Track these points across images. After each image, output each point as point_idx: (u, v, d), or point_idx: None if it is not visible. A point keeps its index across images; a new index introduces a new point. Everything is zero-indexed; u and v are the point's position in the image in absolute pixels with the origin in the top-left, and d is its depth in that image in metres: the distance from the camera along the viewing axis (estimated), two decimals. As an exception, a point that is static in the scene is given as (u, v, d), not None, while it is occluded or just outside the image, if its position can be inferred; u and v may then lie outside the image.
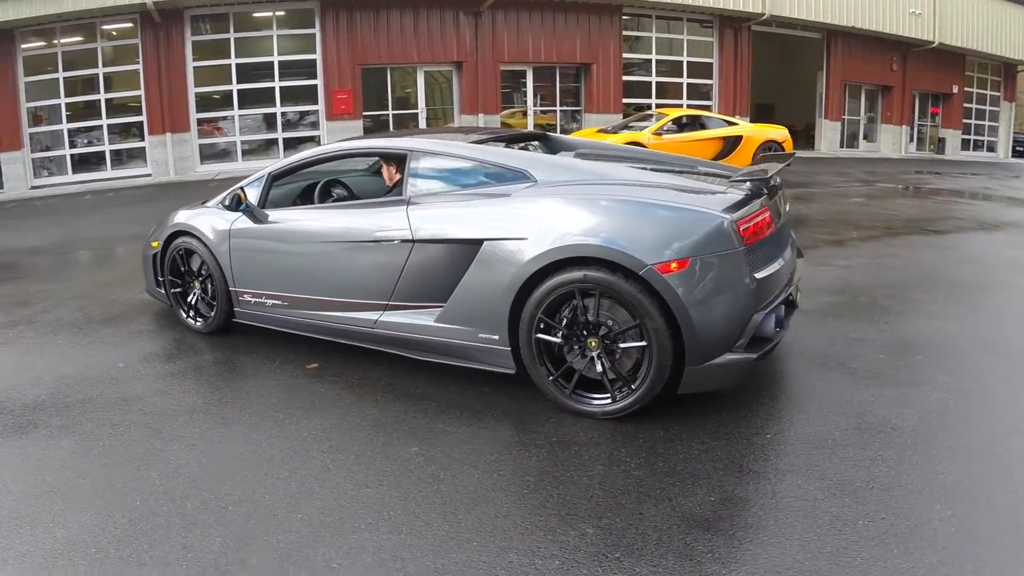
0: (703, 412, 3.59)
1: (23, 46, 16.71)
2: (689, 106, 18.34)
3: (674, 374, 3.41)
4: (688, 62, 20.89)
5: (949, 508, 2.68)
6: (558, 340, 3.62)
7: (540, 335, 3.64)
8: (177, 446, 3.48)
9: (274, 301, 4.76)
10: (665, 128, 13.19)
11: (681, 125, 13.58)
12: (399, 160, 4.46)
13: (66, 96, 17.26)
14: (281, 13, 18.28)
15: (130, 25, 17.21)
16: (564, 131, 19.18)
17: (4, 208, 14.84)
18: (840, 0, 21.16)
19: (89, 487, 3.12)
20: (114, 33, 17.47)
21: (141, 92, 17.50)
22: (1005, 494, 2.79)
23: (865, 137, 24.56)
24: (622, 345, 3.51)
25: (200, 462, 3.31)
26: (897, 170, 17.53)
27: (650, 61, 20.73)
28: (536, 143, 5.25)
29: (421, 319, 4.02)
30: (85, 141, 17.90)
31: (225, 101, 18.48)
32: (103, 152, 17.86)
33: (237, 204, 4.89)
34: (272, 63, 18.41)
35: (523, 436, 3.46)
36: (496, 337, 3.77)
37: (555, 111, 20.59)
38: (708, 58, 21.20)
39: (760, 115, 21.71)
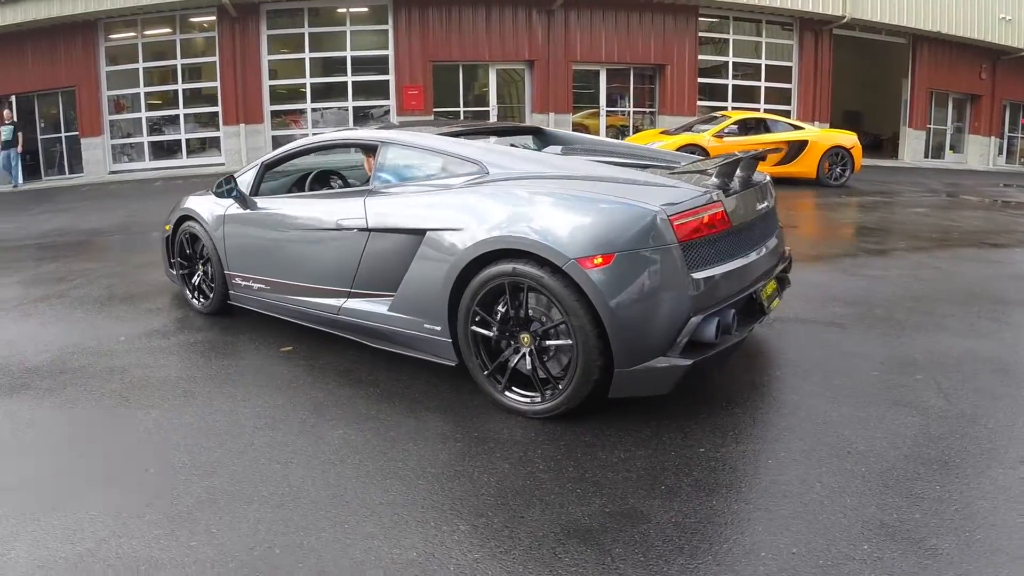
0: (643, 419, 3.43)
1: (106, 37, 17.61)
2: (767, 111, 17.87)
3: (607, 376, 3.28)
4: (767, 65, 20.34)
5: (878, 550, 2.39)
6: (493, 334, 3.58)
7: (475, 327, 3.61)
8: (136, 413, 3.73)
9: (259, 285, 4.95)
10: (726, 131, 12.91)
11: (747, 128, 13.25)
12: (373, 151, 4.52)
13: (146, 86, 18.10)
14: (355, 9, 18.70)
15: (208, 18, 17.92)
16: (636, 130, 19.01)
17: (79, 191, 15.67)
18: (926, 4, 20.06)
19: (42, 441, 3.48)
20: (193, 26, 18.22)
21: (217, 84, 18.20)
22: (952, 543, 2.42)
23: (951, 148, 23.33)
24: (549, 342, 3.42)
25: (147, 428, 3.55)
26: (980, 182, 16.52)
27: (727, 64, 20.32)
28: (529, 138, 5.29)
29: (377, 307, 4.07)
30: (163, 129, 18.74)
31: (299, 94, 19.03)
32: (179, 141, 18.66)
33: (229, 191, 5.08)
34: (345, 58, 18.86)
35: (447, 428, 3.44)
36: (438, 328, 3.76)
37: (628, 112, 20.42)
38: (788, 62, 20.56)
39: (847, 123, 20.98)
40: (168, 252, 5.99)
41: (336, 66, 19.04)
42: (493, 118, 19.58)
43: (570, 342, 3.31)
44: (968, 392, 3.66)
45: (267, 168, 5.13)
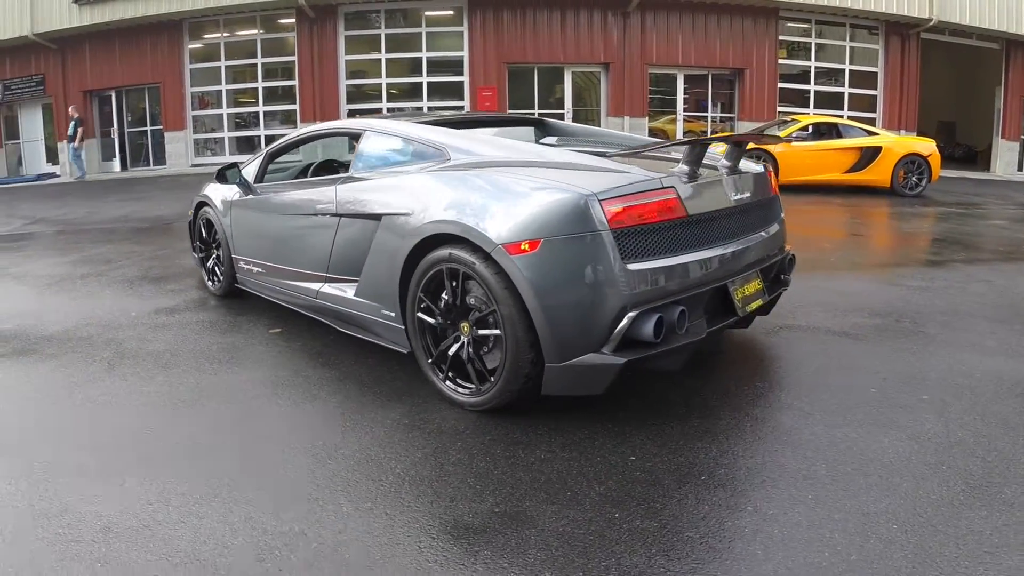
0: (586, 419, 3.23)
1: (190, 36, 18.27)
2: (851, 118, 17.14)
3: (540, 371, 3.09)
4: (851, 70, 19.52)
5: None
6: (435, 321, 3.48)
7: (420, 314, 3.53)
8: (114, 380, 3.95)
9: (257, 269, 5.10)
10: (794, 135, 12.42)
11: (819, 133, 12.71)
12: (358, 139, 4.50)
13: (227, 83, 18.68)
14: (431, 12, 18.87)
15: (287, 20, 18.38)
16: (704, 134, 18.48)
17: (157, 182, 16.30)
18: (1019, 7, 18.68)
19: (28, 396, 3.80)
20: (273, 26, 18.71)
21: (296, 83, 18.64)
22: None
23: (1049, 161, 21.84)
24: (480, 332, 3.28)
25: (115, 393, 3.75)
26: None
27: (809, 69, 19.60)
28: (530, 128, 5.24)
29: (346, 292, 4.07)
30: (245, 125, 19.31)
31: (375, 95, 19.32)
32: (259, 136, 19.18)
33: (231, 177, 5.25)
34: (421, 59, 19.05)
35: (382, 413, 3.39)
36: (392, 314, 3.71)
37: (706, 117, 19.96)
38: (873, 67, 19.69)
39: (941, 133, 20.00)
40: (191, 236, 6.28)
41: (412, 67, 19.24)
42: (568, 119, 19.43)
43: (498, 332, 3.15)
44: (975, 418, 3.20)
45: (271, 157, 5.29)
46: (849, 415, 3.23)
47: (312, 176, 5.46)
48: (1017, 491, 2.56)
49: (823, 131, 12.76)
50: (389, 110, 19.23)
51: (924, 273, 6.34)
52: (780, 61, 18.99)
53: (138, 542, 2.34)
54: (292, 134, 5.14)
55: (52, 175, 18.99)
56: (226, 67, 18.63)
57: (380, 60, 19.04)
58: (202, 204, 5.88)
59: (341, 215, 4.05)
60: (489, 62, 18.70)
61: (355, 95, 19.22)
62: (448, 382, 3.45)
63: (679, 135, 19.32)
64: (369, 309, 3.87)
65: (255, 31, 18.62)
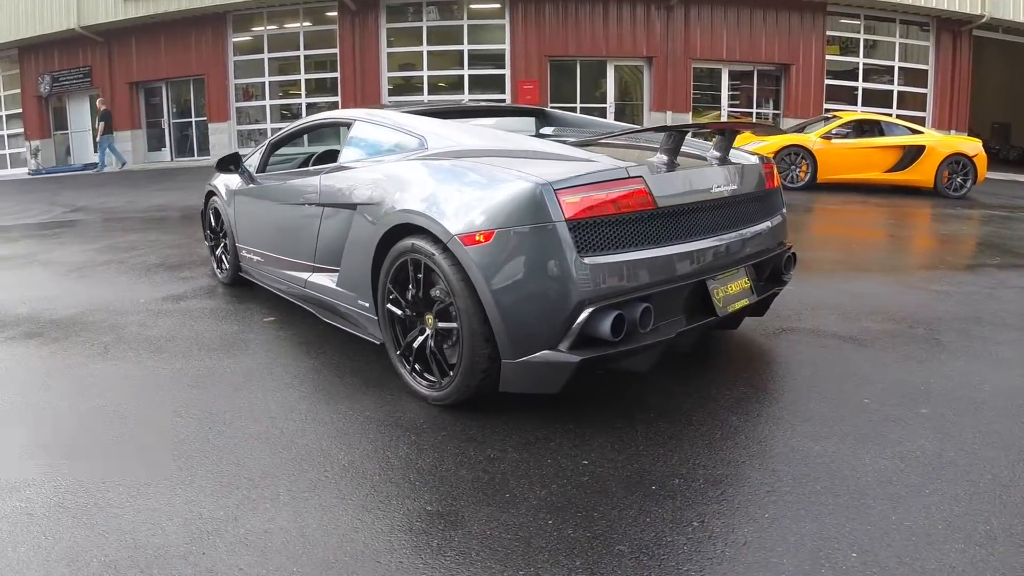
0: (549, 419, 3.11)
1: (233, 28, 18.45)
2: (899, 116, 16.61)
3: (498, 367, 2.98)
4: (900, 67, 18.86)
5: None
6: (402, 313, 3.40)
7: (389, 305, 3.45)
8: (105, 363, 4.04)
9: (257, 258, 5.11)
10: (834, 132, 12.00)
11: (861, 131, 12.27)
12: (349, 129, 4.46)
13: (270, 75, 18.84)
14: (474, 5, 18.77)
15: (330, 12, 18.45)
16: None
17: (198, 172, 16.48)
18: None
19: (18, 377, 3.90)
20: (316, 19, 18.79)
21: (338, 75, 18.72)
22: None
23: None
24: (442, 325, 3.19)
25: (103, 376, 3.84)
26: None
27: (857, 65, 19.01)
28: (530, 119, 5.15)
29: (330, 282, 4.01)
30: (287, 116, 19.44)
31: (416, 87, 19.31)
32: (301, 129, 19.27)
33: (233, 167, 5.33)
34: (462, 52, 18.97)
35: (346, 405, 3.35)
36: (367, 304, 3.64)
37: (751, 113, 19.53)
38: (923, 64, 19.00)
39: (995, 135, 19.30)
40: (202, 225, 6.34)
41: (453, 60, 19.18)
42: (610, 115, 19.17)
43: (454, 325, 3.05)
44: (974, 437, 2.93)
45: (273, 147, 5.28)
46: (833, 427, 3.00)
47: (313, 166, 5.40)
48: (1004, 523, 2.31)
49: (865, 128, 12.33)
50: (429, 103, 19.13)
51: (952, 277, 6.04)
52: (828, 57, 18.46)
53: (84, 519, 2.39)
54: (292, 124, 5.12)
55: (95, 165, 19.34)
56: (269, 59, 18.78)
57: (421, 53, 19.01)
58: (211, 193, 5.91)
59: (324, 205, 4.02)
60: (530, 55, 18.54)
61: (396, 88, 19.24)
62: (414, 375, 3.37)
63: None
64: (348, 299, 3.82)
65: (298, 24, 18.74)
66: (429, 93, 19.21)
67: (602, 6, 18.11)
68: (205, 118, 18.95)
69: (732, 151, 3.78)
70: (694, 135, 4.19)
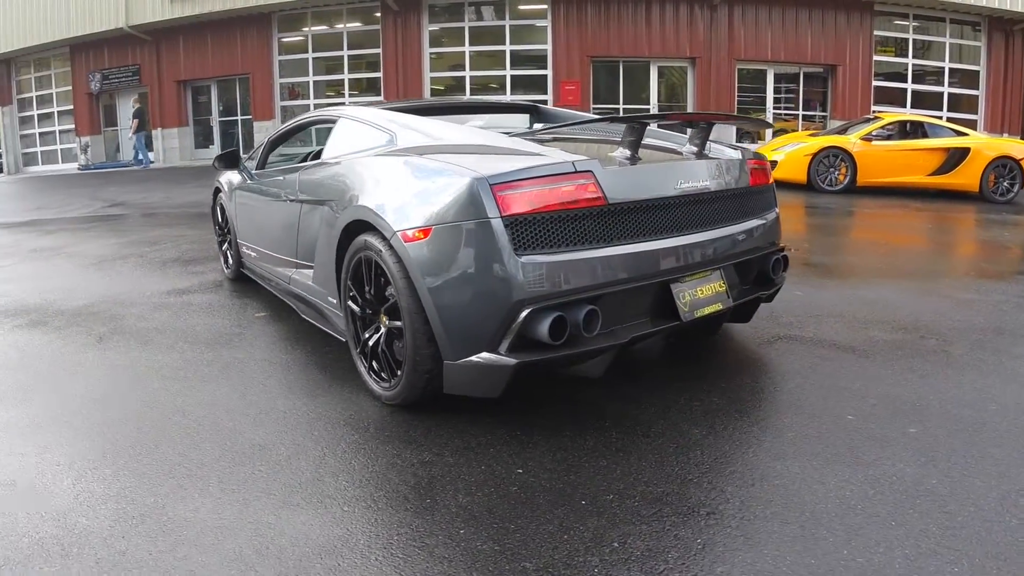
0: (495, 425, 2.96)
1: (279, 28, 18.60)
2: (949, 119, 15.94)
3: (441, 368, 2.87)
4: (950, 68, 18.09)
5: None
6: (360, 310, 3.30)
7: (350, 302, 3.35)
8: (96, 353, 4.15)
9: (253, 254, 5.12)
10: (875, 134, 11.51)
11: (904, 132, 11.77)
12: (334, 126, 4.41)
13: (314, 75, 18.94)
14: (515, 7, 18.59)
15: (373, 13, 18.46)
16: (783, 132, 17.56)
17: (240, 170, 16.66)
18: None
19: (13, 359, 4.10)
20: (359, 19, 18.82)
21: (380, 75, 18.72)
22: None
23: None
24: (390, 323, 3.08)
25: (88, 365, 3.94)
26: None
27: (906, 66, 18.29)
28: (524, 116, 5.05)
29: (308, 279, 3.99)
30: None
31: (458, 87, 19.23)
32: (344, 128, 19.35)
33: (231, 165, 5.43)
34: (504, 52, 18.81)
35: (302, 403, 3.30)
36: (335, 301, 3.57)
37: (797, 115, 18.98)
38: (974, 65, 18.19)
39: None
40: (213, 221, 6.39)
41: (495, 60, 19.04)
42: (654, 117, 18.82)
43: (399, 324, 2.94)
44: (967, 461, 2.62)
45: (272, 144, 5.27)
46: (803, 445, 2.73)
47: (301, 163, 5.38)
48: (977, 566, 2.02)
49: (908, 130, 11.82)
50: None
51: (979, 285, 5.66)
52: (876, 58, 17.82)
53: (28, 499, 2.48)
54: (289, 123, 5.11)
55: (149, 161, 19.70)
56: (313, 59, 18.87)
57: (464, 53, 18.89)
58: (218, 190, 5.95)
59: (302, 201, 3.98)
60: (572, 56, 18.29)
61: (438, 88, 19.17)
62: (371, 373, 3.28)
63: (768, 135, 18.44)
64: (321, 296, 3.78)
65: (342, 24, 18.80)
66: (471, 93, 19.09)
67: (644, 6, 17.77)
68: (251, 116, 19.12)
69: (715, 145, 3.56)
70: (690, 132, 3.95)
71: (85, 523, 2.30)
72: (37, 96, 22.08)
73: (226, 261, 5.95)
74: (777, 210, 3.74)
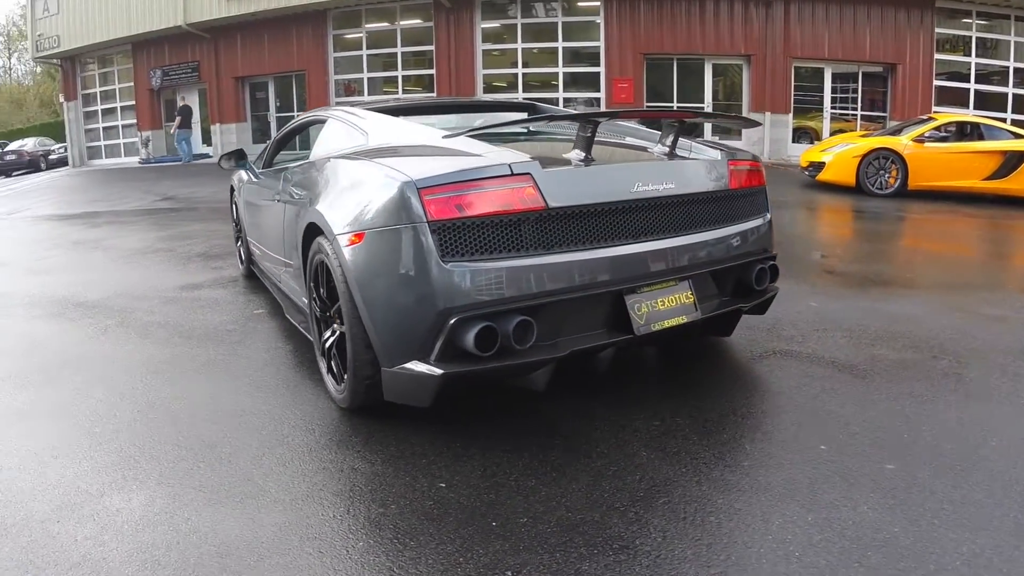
0: (438, 435, 2.85)
1: (334, 25, 18.70)
2: (1013, 122, 15.10)
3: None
4: (1015, 68, 17.08)
5: None
6: (320, 312, 3.28)
7: (313, 303, 3.32)
8: (97, 344, 4.32)
9: (257, 251, 5.15)
10: (927, 135, 10.91)
11: (961, 134, 11.13)
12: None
13: (368, 71, 18.99)
14: (568, 3, 18.33)
15: (426, 11, 18.40)
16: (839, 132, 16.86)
17: (292, 165, 16.82)
18: None
19: (22, 346, 4.32)
20: (412, 16, 18.79)
21: (433, 71, 18.67)
22: None
23: None
24: (337, 326, 3.05)
25: (91, 354, 4.12)
26: None
27: (969, 65, 17.36)
28: (523, 114, 4.88)
29: (291, 279, 4.01)
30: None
31: (510, 84, 19.07)
32: (396, 123, 19.37)
33: (237, 163, 5.52)
34: (556, 49, 18.58)
35: (261, 401, 3.32)
36: (306, 301, 3.54)
37: (855, 115, 18.26)
38: (1041, 65, 17.12)
39: None
40: (232, 218, 6.47)
41: (548, 57, 18.81)
42: (708, 116, 18.39)
43: (343, 328, 2.90)
44: (944, 506, 2.31)
45: (278, 144, 5.29)
46: (761, 477, 2.48)
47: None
48: None
49: (964, 132, 11.19)
50: (525, 100, 18.86)
51: (1017, 301, 5.24)
52: (937, 57, 16.99)
53: None
54: (291, 123, 5.11)
55: (206, 156, 20.02)
56: (367, 56, 18.92)
57: (516, 50, 18.72)
58: (233, 188, 6.01)
59: (285, 202, 3.95)
60: (625, 53, 17.93)
61: (491, 85, 19.03)
62: (329, 375, 3.23)
63: (825, 135, 17.80)
64: (297, 295, 3.83)
65: (395, 21, 18.80)
66: (524, 91, 18.91)
67: (699, 2, 17.30)
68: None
69: (697, 145, 3.32)
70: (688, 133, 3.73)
71: (32, 507, 2.41)
72: (101, 92, 22.67)
73: (240, 258, 6.00)
74: (768, 215, 3.48)
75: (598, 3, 17.92)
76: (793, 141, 17.96)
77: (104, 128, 22.71)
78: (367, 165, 2.89)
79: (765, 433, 2.86)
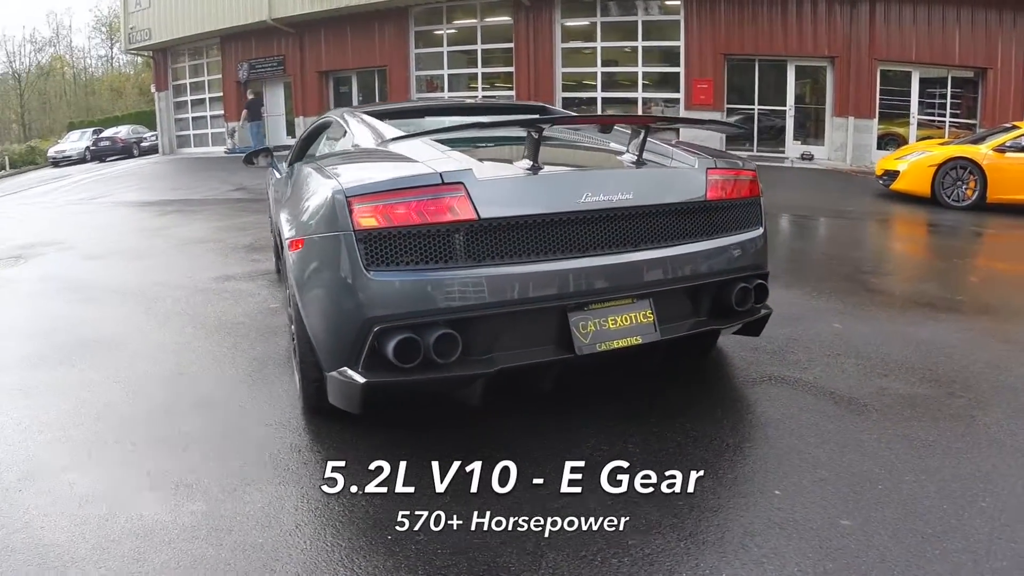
0: (377, 447, 2.76)
1: (415, 22, 18.77)
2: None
3: None
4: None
5: None
6: (292, 311, 3.27)
7: (291, 308, 3.25)
8: (115, 326, 4.55)
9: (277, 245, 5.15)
10: (1009, 144, 10.05)
11: (1054, 144, 10.21)
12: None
13: (448, 68, 19.00)
14: (649, 1, 17.86)
15: (506, 8, 18.25)
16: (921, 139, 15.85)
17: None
18: None
19: (44, 328, 4.53)
20: (492, 13, 18.67)
21: (512, 69, 18.52)
22: None
23: None
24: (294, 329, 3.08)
25: (105, 339, 4.30)
26: None
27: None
28: (534, 116, 4.59)
29: None
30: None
31: (589, 84, 18.76)
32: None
33: (255, 161, 5.51)
34: (636, 48, 18.14)
35: (235, 398, 3.38)
36: None
37: (944, 122, 17.18)
38: None
39: None
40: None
41: (627, 57, 18.40)
42: (790, 119, 17.69)
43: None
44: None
45: (303, 142, 5.22)
46: (690, 521, 2.22)
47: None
48: None
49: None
50: (603, 100, 18.57)
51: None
52: (1033, 60, 15.78)
53: None
54: (313, 122, 5.10)
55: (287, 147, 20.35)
56: (448, 53, 18.91)
57: (595, 48, 18.38)
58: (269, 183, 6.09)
59: (283, 201, 4.00)
60: (705, 53, 17.34)
61: (569, 84, 18.75)
62: (296, 375, 3.24)
63: (911, 142, 16.81)
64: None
65: (475, 19, 18.73)
66: (602, 90, 18.56)
67: (780, 1, 16.57)
68: (384, 108, 19.41)
69: (678, 151, 3.04)
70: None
71: (5, 476, 2.65)
72: (191, 83, 23.36)
73: (274, 251, 6.00)
74: (761, 229, 3.15)
75: (679, 2, 17.38)
76: (878, 148, 17.01)
77: (193, 118, 23.43)
78: (314, 172, 2.85)
79: (717, 469, 2.58)
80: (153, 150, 24.68)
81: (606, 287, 2.62)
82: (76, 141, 26.87)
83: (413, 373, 2.42)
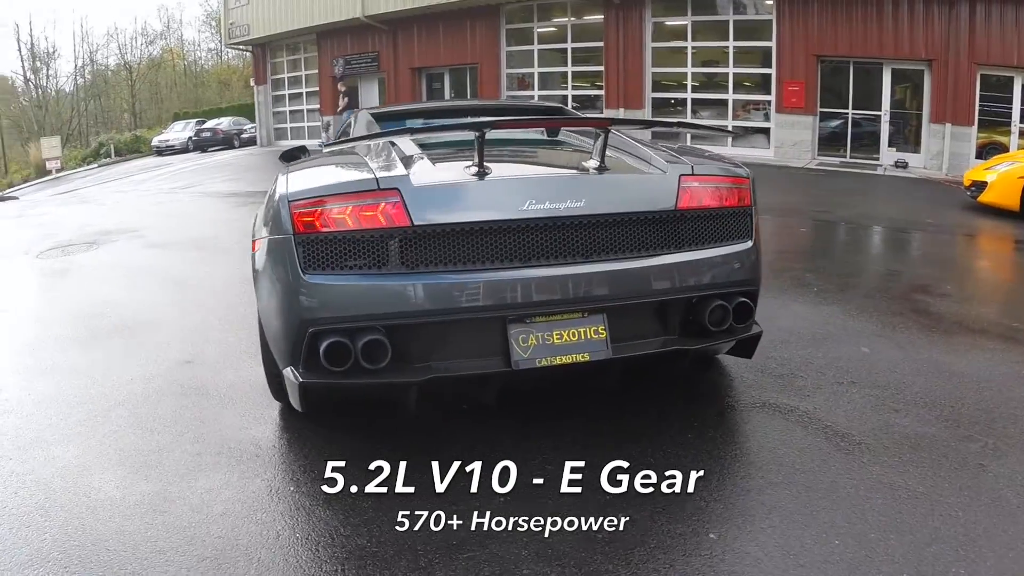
0: (346, 449, 2.76)
1: (506, 20, 18.65)
2: None
3: None
4: None
5: None
6: None
7: None
8: (152, 316, 4.75)
9: None
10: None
11: None
12: None
13: (539, 66, 18.79)
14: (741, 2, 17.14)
15: (596, 6, 17.87)
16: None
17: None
18: None
19: (95, 310, 4.87)
20: (583, 12, 18.33)
21: (602, 68, 18.15)
22: None
23: None
24: None
25: (138, 322, 4.60)
26: None
27: None
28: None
29: None
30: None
31: (680, 84, 18.18)
32: (561, 118, 19.05)
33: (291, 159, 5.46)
34: (727, 48, 17.46)
35: (218, 386, 3.48)
36: None
37: (1042, 130, 15.73)
38: None
39: None
40: None
41: (718, 57, 17.72)
42: (884, 124, 16.66)
43: None
44: None
45: (337, 139, 5.37)
46: (599, 559, 2.01)
47: None
48: None
49: None
50: (693, 101, 17.98)
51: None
52: None
53: None
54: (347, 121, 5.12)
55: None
56: (538, 51, 18.71)
57: (686, 48, 17.77)
58: None
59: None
60: (797, 54, 16.47)
61: (659, 83, 18.21)
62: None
63: (1012, 150, 15.51)
64: None
65: (566, 17, 18.44)
66: (692, 92, 17.95)
67: (876, 2, 15.54)
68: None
69: (655, 155, 2.78)
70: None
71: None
72: (289, 77, 23.95)
73: None
74: (750, 242, 2.83)
75: (771, 1, 16.58)
76: (977, 157, 15.79)
77: (290, 111, 24.06)
78: (280, 174, 2.83)
79: (659, 504, 2.32)
80: (252, 141, 25.26)
81: (549, 300, 2.46)
82: (180, 131, 27.71)
83: (344, 377, 2.39)
